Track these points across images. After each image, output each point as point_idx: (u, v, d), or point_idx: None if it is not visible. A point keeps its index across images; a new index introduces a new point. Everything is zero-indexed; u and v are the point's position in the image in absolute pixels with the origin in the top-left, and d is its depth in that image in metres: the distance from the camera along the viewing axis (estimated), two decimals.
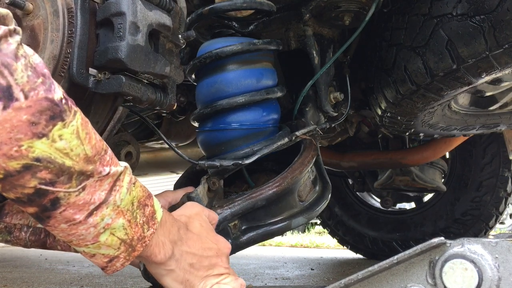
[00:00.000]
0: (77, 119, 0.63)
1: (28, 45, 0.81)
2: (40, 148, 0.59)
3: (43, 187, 0.61)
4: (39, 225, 0.94)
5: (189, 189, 1.04)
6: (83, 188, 0.63)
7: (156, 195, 1.02)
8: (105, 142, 0.68)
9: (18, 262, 2.97)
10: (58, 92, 0.61)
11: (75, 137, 0.62)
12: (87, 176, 0.64)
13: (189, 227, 0.83)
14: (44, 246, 0.95)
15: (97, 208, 0.65)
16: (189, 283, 0.78)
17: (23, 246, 0.96)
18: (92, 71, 0.80)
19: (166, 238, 0.75)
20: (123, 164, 0.70)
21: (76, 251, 0.95)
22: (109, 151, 0.68)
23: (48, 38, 0.79)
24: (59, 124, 0.60)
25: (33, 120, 0.58)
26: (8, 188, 0.60)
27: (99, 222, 0.66)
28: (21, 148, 0.58)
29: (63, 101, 0.61)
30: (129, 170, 0.71)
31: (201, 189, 0.99)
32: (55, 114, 0.60)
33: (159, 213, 0.74)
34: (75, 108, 0.63)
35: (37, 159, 0.59)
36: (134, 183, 0.70)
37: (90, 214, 0.65)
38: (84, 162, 0.63)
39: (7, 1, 0.80)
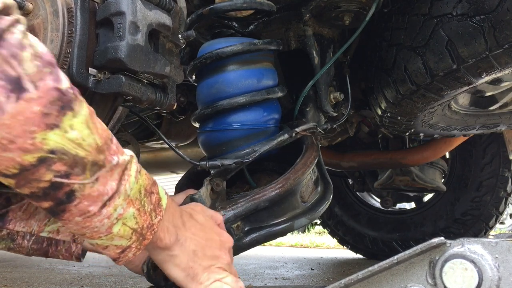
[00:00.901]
0: (84, 109, 0.62)
1: None
2: (54, 139, 0.58)
3: (58, 179, 0.60)
4: (42, 234, 0.93)
5: (189, 191, 1.03)
6: (97, 179, 0.63)
7: None
8: (109, 131, 0.67)
9: (18, 262, 2.97)
10: (65, 82, 0.60)
11: (85, 127, 0.61)
12: (99, 167, 0.63)
13: (193, 217, 0.82)
14: (46, 254, 0.95)
15: (110, 198, 0.64)
16: (193, 271, 0.78)
17: (25, 254, 0.95)
18: (92, 71, 0.79)
19: (170, 223, 0.75)
20: (129, 152, 0.69)
21: (78, 259, 0.95)
22: (114, 140, 0.67)
23: (48, 38, 0.79)
24: (69, 114, 0.59)
25: (45, 111, 0.57)
26: (23, 184, 0.59)
27: (112, 213, 0.65)
28: (35, 141, 0.57)
29: (71, 90, 0.60)
30: (135, 159, 0.70)
31: (204, 191, 0.98)
32: (65, 104, 0.59)
33: (164, 199, 0.74)
34: (80, 97, 0.62)
35: (52, 151, 0.58)
36: (139, 171, 0.70)
37: (104, 205, 0.64)
38: (96, 152, 0.62)
39: None
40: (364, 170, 2.77)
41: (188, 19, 1.11)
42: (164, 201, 0.74)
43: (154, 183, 0.73)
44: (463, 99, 1.57)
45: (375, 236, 2.95)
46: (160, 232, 0.73)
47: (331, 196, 1.15)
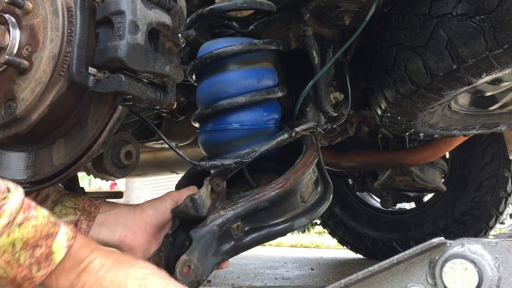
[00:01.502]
0: None
1: (27, 44, 0.81)
2: None
3: None
4: None
5: (193, 188, 1.04)
6: None
7: (161, 196, 1.03)
8: None
9: None
10: None
11: None
12: None
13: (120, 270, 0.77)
14: None
15: None
16: None
17: None
18: (91, 70, 0.79)
19: (68, 272, 0.74)
20: (9, 205, 0.68)
21: None
22: None
23: (48, 37, 0.79)
24: None
25: None
26: None
27: None
28: None
29: None
30: (10, 212, 0.68)
31: (204, 191, 0.98)
32: None
33: (59, 253, 0.72)
34: None
35: None
36: (20, 224, 0.68)
37: None
38: None
39: (6, 0, 0.80)
40: (364, 170, 2.77)
41: (188, 19, 1.11)
42: (58, 255, 0.72)
43: (48, 236, 0.71)
44: (463, 99, 1.57)
45: (375, 236, 2.95)
46: (52, 282, 0.73)
47: (331, 196, 1.15)
